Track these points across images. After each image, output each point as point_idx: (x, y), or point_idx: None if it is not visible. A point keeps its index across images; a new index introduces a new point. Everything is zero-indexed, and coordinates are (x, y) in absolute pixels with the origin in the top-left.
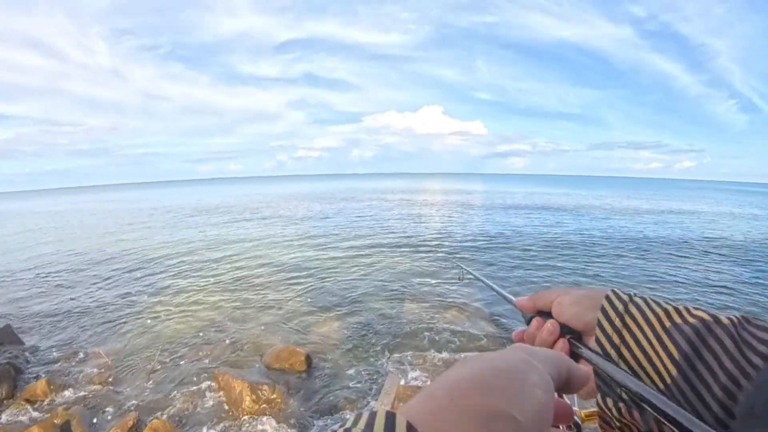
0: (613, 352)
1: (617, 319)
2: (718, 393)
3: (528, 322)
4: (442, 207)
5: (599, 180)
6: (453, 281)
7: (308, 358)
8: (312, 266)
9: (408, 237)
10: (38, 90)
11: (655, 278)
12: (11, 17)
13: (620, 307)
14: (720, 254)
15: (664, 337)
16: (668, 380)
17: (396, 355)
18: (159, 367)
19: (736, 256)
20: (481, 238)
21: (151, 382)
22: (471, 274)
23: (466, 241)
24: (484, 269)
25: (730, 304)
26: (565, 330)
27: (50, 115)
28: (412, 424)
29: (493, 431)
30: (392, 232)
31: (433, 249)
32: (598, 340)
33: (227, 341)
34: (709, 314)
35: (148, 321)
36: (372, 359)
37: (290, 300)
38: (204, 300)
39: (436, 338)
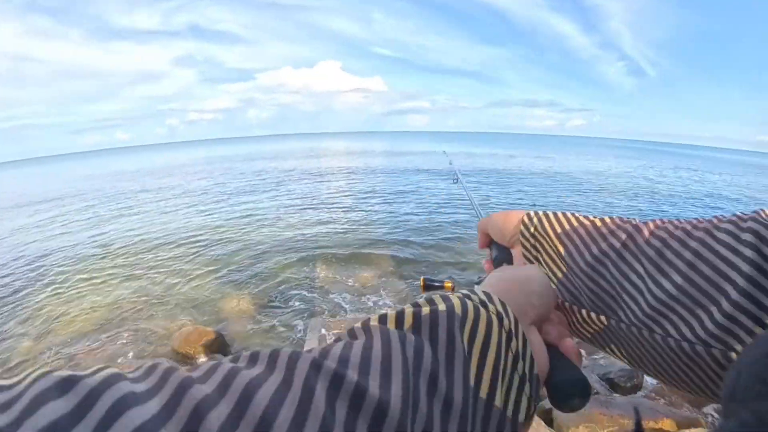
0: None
1: (531, 236)
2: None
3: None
4: (344, 167)
5: (497, 136)
6: (348, 239)
7: (219, 336)
8: (213, 238)
9: (312, 199)
10: None
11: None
12: None
13: (535, 223)
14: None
15: (564, 239)
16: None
17: (314, 316)
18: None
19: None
20: (378, 198)
21: None
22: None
23: (368, 202)
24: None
25: None
26: (498, 249)
27: None
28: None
29: (533, 298)
30: (295, 196)
31: (338, 209)
32: (523, 254)
33: (131, 331)
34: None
35: (36, 324)
36: (288, 322)
37: (194, 277)
38: (98, 290)
39: (348, 296)
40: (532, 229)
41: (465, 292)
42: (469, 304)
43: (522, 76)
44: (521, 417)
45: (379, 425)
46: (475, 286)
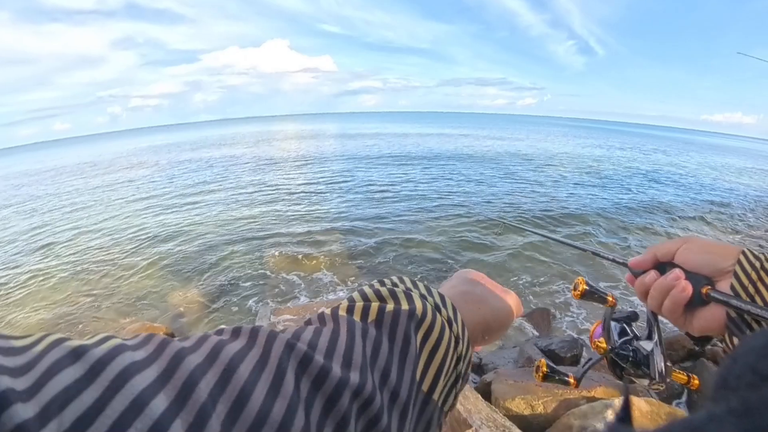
0: (748, 300)
1: (753, 273)
2: None
3: (640, 273)
4: (294, 151)
5: (449, 116)
6: (298, 225)
7: (167, 332)
8: (161, 231)
9: (261, 186)
10: None
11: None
12: None
13: (756, 263)
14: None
15: None
16: None
17: (263, 304)
18: None
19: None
20: (329, 184)
21: None
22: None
23: (318, 188)
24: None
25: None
26: (690, 276)
27: None
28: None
29: (485, 318)
30: (244, 183)
31: (288, 196)
32: (733, 288)
33: (78, 329)
34: None
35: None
36: (236, 311)
37: (141, 272)
38: (43, 290)
39: (297, 282)
40: (758, 265)
41: (424, 292)
42: (428, 307)
43: (473, 54)
44: (447, 407)
45: (335, 402)
46: (435, 289)
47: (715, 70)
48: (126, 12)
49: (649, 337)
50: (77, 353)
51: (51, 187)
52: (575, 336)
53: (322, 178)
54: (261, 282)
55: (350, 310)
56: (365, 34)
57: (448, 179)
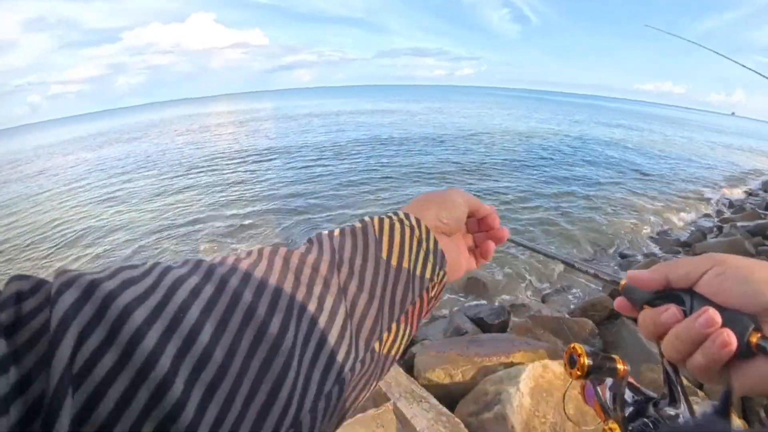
0: None
1: None
2: None
3: (645, 302)
4: (225, 134)
5: (388, 89)
6: (230, 211)
7: None
8: (82, 227)
9: (190, 172)
10: None
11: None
12: None
13: None
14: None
15: None
16: None
17: None
18: None
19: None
20: (260, 164)
21: None
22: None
23: (249, 169)
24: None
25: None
26: (727, 316)
27: None
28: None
29: (438, 211)
30: (171, 170)
31: (220, 182)
32: None
33: None
34: None
35: None
36: None
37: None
38: None
39: None
40: None
41: (390, 214)
42: (386, 219)
43: (408, 23)
44: (427, 274)
45: (246, 324)
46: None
47: (647, 39)
48: None
49: (672, 399)
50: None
51: None
52: (505, 300)
53: (253, 163)
54: None
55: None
56: (296, 4)
57: (381, 158)
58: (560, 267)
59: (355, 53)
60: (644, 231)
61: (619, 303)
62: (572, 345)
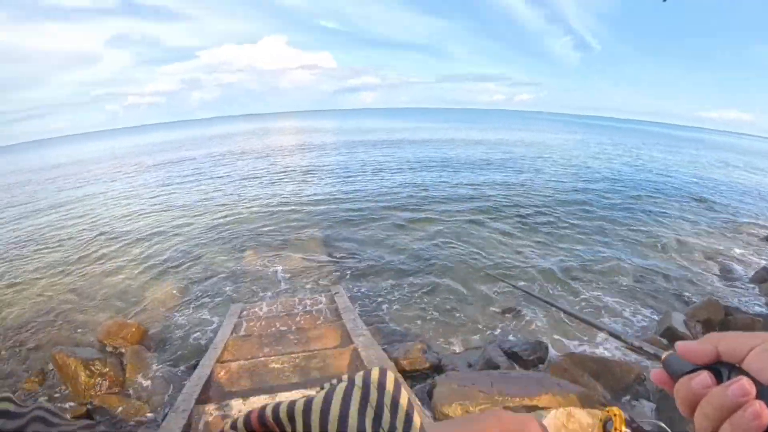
0: None
1: None
2: None
3: (685, 372)
4: (290, 149)
5: (449, 112)
6: (279, 224)
7: (140, 328)
8: (146, 229)
9: (249, 184)
10: None
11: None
12: None
13: None
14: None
15: None
16: None
17: (234, 303)
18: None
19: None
20: (319, 184)
21: None
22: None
23: (307, 187)
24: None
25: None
26: (765, 392)
27: None
28: None
29: None
30: (233, 181)
31: (275, 194)
32: None
33: (61, 322)
34: None
35: None
36: (207, 309)
37: (122, 269)
38: (33, 280)
39: (269, 284)
40: None
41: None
42: None
43: (471, 50)
44: None
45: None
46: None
47: (711, 66)
48: (122, 9)
49: None
50: None
51: (52, 184)
52: (539, 338)
53: (312, 176)
54: (233, 282)
55: None
56: (364, 30)
57: (439, 182)
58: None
59: (417, 77)
60: (711, 273)
61: (657, 375)
62: (611, 409)
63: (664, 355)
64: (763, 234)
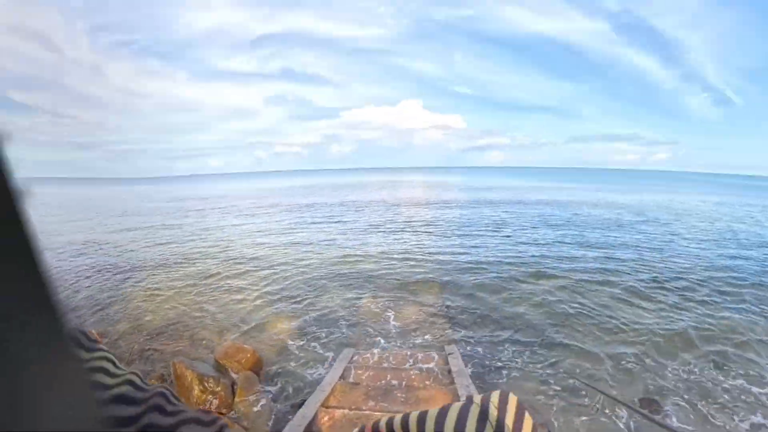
0: None
1: None
2: None
3: None
4: (418, 200)
5: (578, 172)
6: (401, 273)
7: (255, 355)
8: (278, 261)
9: (376, 231)
10: (44, 81)
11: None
12: (17, 7)
13: None
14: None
15: None
16: None
17: (346, 347)
18: (135, 357)
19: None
20: (444, 236)
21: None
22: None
23: (431, 237)
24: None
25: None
26: None
27: (56, 107)
28: None
29: None
30: (362, 227)
31: (402, 243)
32: None
33: (187, 335)
34: None
35: (138, 307)
36: (320, 349)
37: (250, 296)
38: (169, 291)
39: (383, 332)
40: None
41: None
42: None
43: (601, 110)
44: None
45: None
46: None
47: None
48: (282, 75)
49: None
50: None
51: (200, 212)
52: None
53: (435, 228)
54: (349, 325)
55: None
56: (494, 94)
57: (564, 241)
58: None
59: (546, 137)
60: None
61: None
62: None
63: None
64: None
